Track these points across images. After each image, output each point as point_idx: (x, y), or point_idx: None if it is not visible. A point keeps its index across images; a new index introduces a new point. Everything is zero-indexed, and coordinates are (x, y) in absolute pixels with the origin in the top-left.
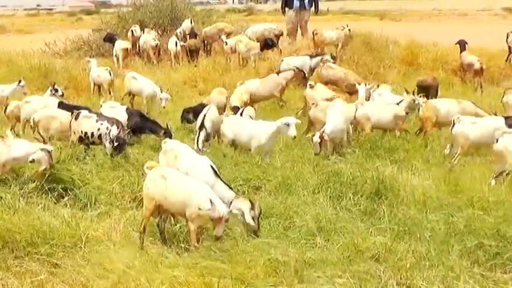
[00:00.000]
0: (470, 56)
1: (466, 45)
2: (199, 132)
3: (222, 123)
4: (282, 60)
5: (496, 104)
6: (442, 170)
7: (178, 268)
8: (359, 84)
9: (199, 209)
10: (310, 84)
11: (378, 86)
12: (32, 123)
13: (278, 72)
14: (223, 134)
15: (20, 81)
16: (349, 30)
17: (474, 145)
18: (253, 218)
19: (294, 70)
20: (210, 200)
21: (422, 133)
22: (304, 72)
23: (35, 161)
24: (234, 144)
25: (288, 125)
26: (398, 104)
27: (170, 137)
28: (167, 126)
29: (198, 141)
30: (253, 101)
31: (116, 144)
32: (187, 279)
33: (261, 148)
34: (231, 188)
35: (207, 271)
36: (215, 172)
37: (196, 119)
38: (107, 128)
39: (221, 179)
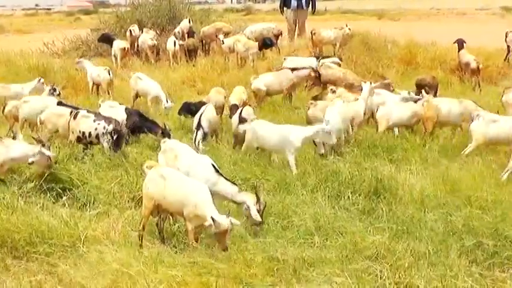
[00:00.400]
0: (467, 55)
1: (464, 44)
2: (196, 132)
3: (248, 128)
4: (285, 58)
5: (495, 103)
6: (440, 169)
7: (177, 267)
8: (358, 83)
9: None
10: (331, 89)
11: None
12: (38, 123)
13: (293, 69)
14: (247, 139)
15: (40, 79)
16: (349, 29)
17: (491, 142)
18: (258, 211)
19: (310, 70)
20: (212, 218)
21: (425, 132)
22: (319, 73)
23: (34, 164)
24: (258, 148)
25: (327, 132)
26: (416, 102)
27: (169, 137)
28: (165, 126)
29: (196, 140)
30: (268, 94)
31: (115, 136)
32: (185, 279)
33: (295, 152)
34: (234, 183)
35: (205, 270)
36: (216, 170)
37: (193, 116)
38: (104, 128)
39: (223, 176)
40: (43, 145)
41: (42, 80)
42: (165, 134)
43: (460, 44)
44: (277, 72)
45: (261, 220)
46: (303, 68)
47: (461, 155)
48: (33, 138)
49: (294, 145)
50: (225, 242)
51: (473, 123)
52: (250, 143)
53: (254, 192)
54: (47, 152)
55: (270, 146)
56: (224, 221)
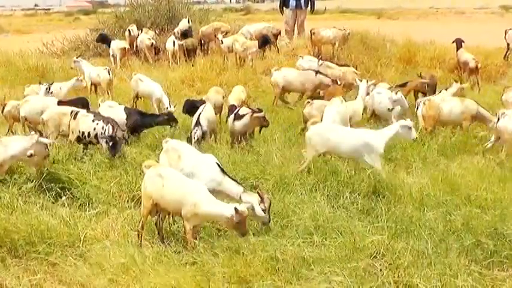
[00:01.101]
0: (466, 54)
1: (463, 44)
2: (194, 129)
3: (312, 133)
4: (302, 57)
5: (495, 102)
6: (439, 168)
7: (176, 267)
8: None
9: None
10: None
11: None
12: (41, 123)
13: (316, 72)
14: (313, 145)
15: (78, 78)
16: (349, 34)
17: None
18: (263, 211)
19: (330, 80)
20: (235, 208)
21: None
22: (338, 84)
23: (34, 155)
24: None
25: (409, 128)
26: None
27: (174, 120)
28: (167, 112)
29: (193, 137)
30: (287, 89)
31: (111, 143)
32: (184, 278)
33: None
34: (239, 183)
35: (204, 270)
36: (221, 169)
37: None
38: (102, 128)
39: (228, 176)
40: (41, 134)
41: (80, 78)
42: (171, 118)
43: (459, 43)
44: (302, 71)
45: (266, 216)
46: (327, 76)
47: (501, 157)
48: (30, 127)
49: (378, 150)
50: (245, 227)
51: (501, 122)
52: (317, 149)
53: (256, 192)
54: (45, 140)
55: (344, 151)
56: (245, 208)
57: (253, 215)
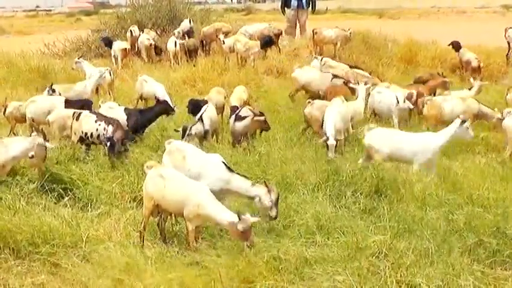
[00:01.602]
0: (468, 54)
1: (462, 45)
2: (195, 124)
3: (371, 137)
4: (316, 57)
5: (497, 101)
6: (441, 167)
7: (179, 267)
8: (357, 83)
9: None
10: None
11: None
12: (47, 124)
13: (334, 76)
14: (376, 149)
15: (101, 75)
16: (350, 33)
17: None
18: (271, 201)
19: (344, 81)
20: (238, 215)
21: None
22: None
23: (34, 157)
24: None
25: (467, 127)
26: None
27: (170, 107)
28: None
29: (189, 130)
30: (304, 88)
31: (109, 145)
32: (187, 279)
33: (430, 161)
34: (246, 177)
35: (207, 270)
36: (228, 167)
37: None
38: (104, 129)
39: (235, 173)
40: (44, 136)
41: (104, 75)
42: (166, 105)
43: (456, 45)
44: (322, 73)
45: (271, 206)
46: (341, 77)
47: (504, 156)
48: (33, 127)
49: (431, 153)
50: (252, 237)
51: (506, 120)
52: (383, 154)
53: (265, 183)
54: (47, 144)
55: (402, 156)
56: (249, 217)
57: (261, 206)
